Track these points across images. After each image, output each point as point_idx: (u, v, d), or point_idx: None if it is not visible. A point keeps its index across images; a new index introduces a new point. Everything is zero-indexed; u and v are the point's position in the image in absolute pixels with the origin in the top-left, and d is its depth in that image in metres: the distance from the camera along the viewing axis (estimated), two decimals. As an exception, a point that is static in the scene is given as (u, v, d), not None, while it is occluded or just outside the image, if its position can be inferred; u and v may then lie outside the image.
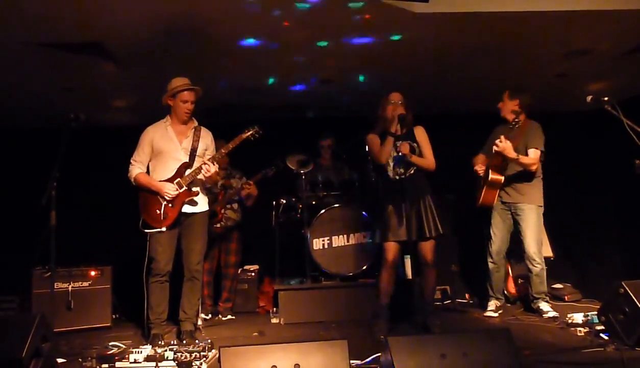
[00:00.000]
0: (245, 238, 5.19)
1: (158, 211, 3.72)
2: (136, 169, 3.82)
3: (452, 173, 4.49)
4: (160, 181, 3.77)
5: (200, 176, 3.77)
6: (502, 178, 4.30)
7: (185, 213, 3.80)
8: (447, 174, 4.33)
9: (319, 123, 6.23)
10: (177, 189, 3.73)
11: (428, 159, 3.89)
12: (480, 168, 4.43)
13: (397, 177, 3.77)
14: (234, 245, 5.07)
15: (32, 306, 4.50)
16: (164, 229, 3.71)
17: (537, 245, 4.32)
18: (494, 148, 4.13)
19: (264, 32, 3.97)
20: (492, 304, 4.48)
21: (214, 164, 3.73)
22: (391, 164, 3.86)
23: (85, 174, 5.60)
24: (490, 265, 4.47)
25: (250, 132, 3.86)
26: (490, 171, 4.29)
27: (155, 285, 3.77)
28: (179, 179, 3.76)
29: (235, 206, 5.09)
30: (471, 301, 5.20)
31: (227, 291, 5.03)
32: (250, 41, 4.09)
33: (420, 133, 3.94)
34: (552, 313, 4.20)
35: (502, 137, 4.08)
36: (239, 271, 5.30)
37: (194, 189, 3.80)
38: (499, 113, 4.44)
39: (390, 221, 3.80)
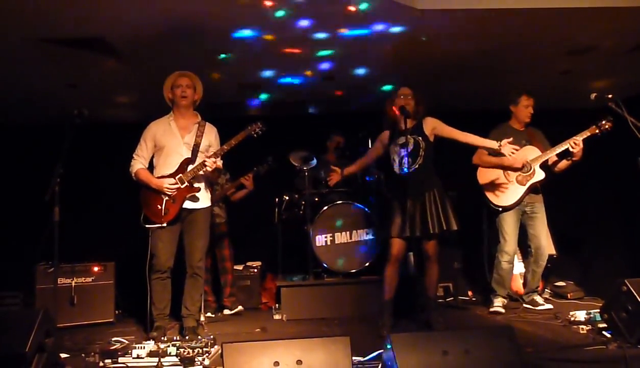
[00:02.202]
0: (235, 234, 5.18)
1: (159, 207, 3.73)
2: (137, 165, 3.83)
3: (454, 169, 4.46)
4: (161, 176, 3.77)
5: (201, 172, 3.77)
6: None
7: (187, 209, 3.81)
8: (450, 169, 4.33)
9: (321, 119, 6.23)
10: (177, 185, 3.74)
11: (464, 135, 3.89)
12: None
13: (401, 173, 3.77)
14: (225, 241, 5.06)
15: (35, 302, 4.51)
16: (164, 224, 3.72)
17: None
18: (574, 147, 4.16)
19: (264, 27, 3.96)
20: (499, 301, 4.45)
21: (217, 159, 3.74)
22: (397, 160, 3.85)
23: (88, 170, 5.62)
24: (506, 265, 4.44)
25: (254, 128, 3.86)
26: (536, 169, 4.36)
27: (156, 281, 3.78)
28: (180, 175, 3.76)
29: (221, 204, 5.09)
30: (474, 299, 5.19)
31: (229, 286, 5.02)
32: (251, 35, 4.08)
33: (431, 123, 3.87)
34: (548, 306, 4.43)
35: (580, 138, 4.16)
36: (242, 268, 5.32)
37: (195, 185, 3.80)
38: (513, 115, 4.50)
39: (395, 217, 3.79)
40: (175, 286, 3.90)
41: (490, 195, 4.45)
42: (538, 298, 4.56)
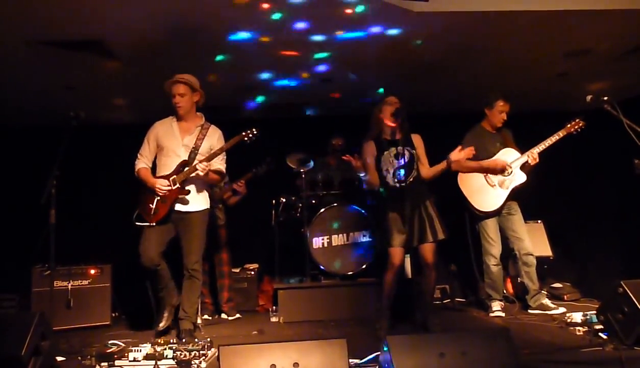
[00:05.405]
0: (232, 236, 5.17)
1: (150, 206, 3.77)
2: (140, 164, 3.88)
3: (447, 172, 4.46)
4: (159, 176, 3.80)
5: (194, 175, 3.77)
6: None
7: (180, 211, 3.81)
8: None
9: (319, 122, 6.22)
10: (169, 186, 3.75)
11: (428, 168, 3.92)
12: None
13: (398, 184, 3.79)
14: (223, 244, 5.05)
15: (31, 305, 4.50)
16: (153, 224, 3.74)
17: None
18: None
19: (264, 29, 3.97)
20: (498, 305, 4.44)
21: (209, 163, 3.73)
22: (391, 171, 3.86)
23: (85, 173, 5.60)
24: (495, 268, 4.43)
25: (247, 134, 3.85)
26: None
27: (148, 272, 3.81)
28: (174, 176, 3.78)
29: (220, 205, 5.09)
30: (471, 299, 5.19)
31: (227, 291, 5.00)
32: (250, 38, 4.08)
33: (418, 142, 3.94)
34: (561, 309, 4.27)
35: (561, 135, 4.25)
36: (239, 270, 5.31)
37: (186, 187, 3.81)
38: (486, 117, 4.48)
39: (394, 227, 3.79)
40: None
41: (473, 201, 4.42)
42: (547, 302, 4.42)
